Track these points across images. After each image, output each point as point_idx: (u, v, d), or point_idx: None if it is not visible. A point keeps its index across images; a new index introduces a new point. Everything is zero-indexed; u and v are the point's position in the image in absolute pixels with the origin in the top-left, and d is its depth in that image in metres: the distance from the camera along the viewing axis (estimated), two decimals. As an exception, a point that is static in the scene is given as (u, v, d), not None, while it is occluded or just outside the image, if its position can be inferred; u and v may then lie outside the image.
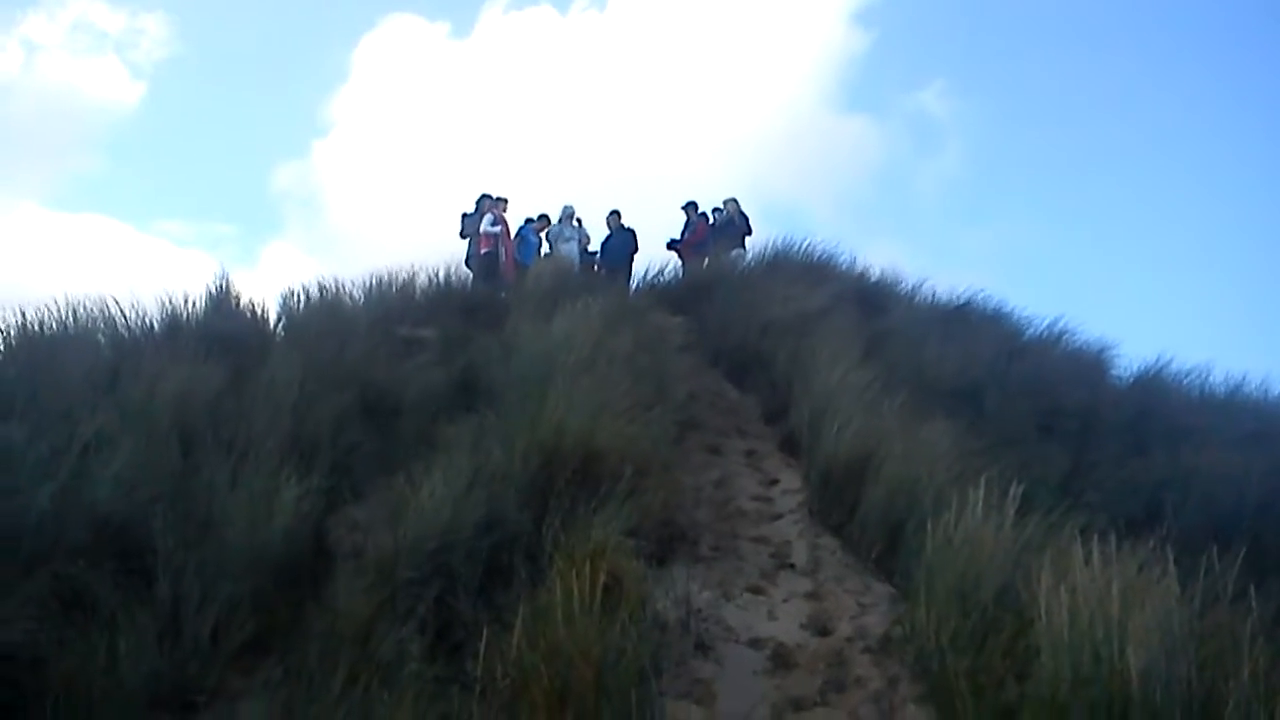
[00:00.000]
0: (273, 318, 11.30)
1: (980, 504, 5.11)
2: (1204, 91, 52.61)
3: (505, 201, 16.00)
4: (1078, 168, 54.29)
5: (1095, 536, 4.22)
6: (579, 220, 17.17)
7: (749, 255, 16.62)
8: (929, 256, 54.62)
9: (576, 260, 16.21)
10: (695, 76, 59.90)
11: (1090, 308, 45.65)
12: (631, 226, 16.97)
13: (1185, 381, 12.86)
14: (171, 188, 57.14)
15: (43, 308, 8.49)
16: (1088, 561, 4.09)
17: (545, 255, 16.33)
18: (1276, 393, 12.44)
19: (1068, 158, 55.77)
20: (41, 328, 8.42)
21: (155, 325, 9.57)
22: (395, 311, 12.63)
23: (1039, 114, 55.68)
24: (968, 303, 15.10)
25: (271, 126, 61.21)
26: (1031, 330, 14.34)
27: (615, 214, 17.01)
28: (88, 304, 9.00)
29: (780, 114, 58.35)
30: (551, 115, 59.91)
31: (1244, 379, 12.74)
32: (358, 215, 58.24)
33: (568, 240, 16.65)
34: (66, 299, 8.74)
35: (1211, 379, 12.86)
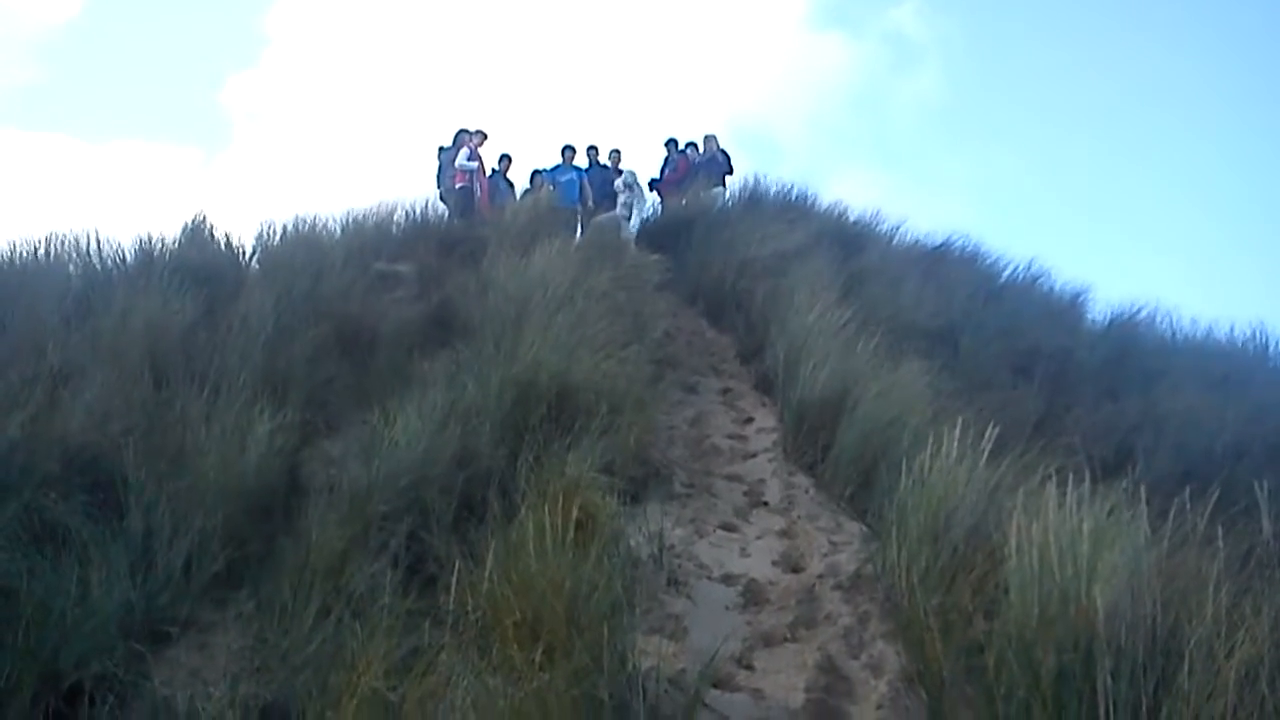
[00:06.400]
0: (248, 250, 11.21)
1: (954, 445, 5.13)
2: (1192, 7, 51.96)
3: (483, 135, 15.70)
4: (1060, 90, 53.75)
5: (1068, 478, 4.24)
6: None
7: (728, 194, 16.50)
8: (906, 182, 53.86)
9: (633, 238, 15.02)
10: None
11: (1070, 234, 45.44)
12: (608, 164, 16.78)
13: (1159, 324, 13.03)
14: (123, 102, 55.48)
15: (12, 237, 8.40)
16: (1059, 503, 4.10)
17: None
18: (1244, 336, 12.62)
19: (1050, 79, 55.14)
20: (11, 257, 8.33)
21: (127, 256, 9.48)
22: (371, 246, 12.52)
23: (1020, 33, 54.69)
24: (945, 243, 15.13)
25: (220, 33, 59.30)
26: (1009, 272, 14.44)
27: (593, 149, 16.79)
28: (58, 234, 8.91)
29: (749, 31, 57.21)
30: (515, 40, 58.63)
31: (1215, 322, 12.99)
32: (312, 127, 56.95)
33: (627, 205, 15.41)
34: (37, 228, 8.66)
35: (1183, 322, 13.07)
